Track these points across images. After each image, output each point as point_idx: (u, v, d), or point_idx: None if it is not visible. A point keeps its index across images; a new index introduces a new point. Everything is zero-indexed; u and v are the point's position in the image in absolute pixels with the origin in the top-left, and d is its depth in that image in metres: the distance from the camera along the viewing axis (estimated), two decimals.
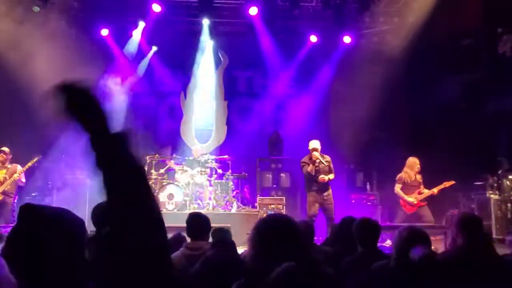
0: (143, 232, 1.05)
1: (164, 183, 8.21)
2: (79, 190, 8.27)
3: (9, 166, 7.42)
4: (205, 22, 9.85)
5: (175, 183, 8.20)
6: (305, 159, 6.91)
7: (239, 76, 10.84)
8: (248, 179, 9.38)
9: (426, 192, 6.90)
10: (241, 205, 8.55)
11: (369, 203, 8.68)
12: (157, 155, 8.68)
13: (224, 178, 8.64)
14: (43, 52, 8.35)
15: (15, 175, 7.27)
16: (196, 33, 10.07)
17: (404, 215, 6.98)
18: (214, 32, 10.05)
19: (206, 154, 9.25)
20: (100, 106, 1.10)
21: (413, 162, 7.06)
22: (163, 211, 7.77)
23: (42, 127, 8.82)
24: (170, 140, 10.18)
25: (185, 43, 10.23)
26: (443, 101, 8.92)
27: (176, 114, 10.64)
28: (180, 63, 10.52)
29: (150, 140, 9.49)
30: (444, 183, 6.87)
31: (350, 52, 9.81)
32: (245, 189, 9.31)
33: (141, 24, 9.70)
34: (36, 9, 8.41)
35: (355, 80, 9.30)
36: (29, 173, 8.01)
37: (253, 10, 9.39)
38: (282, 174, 9.44)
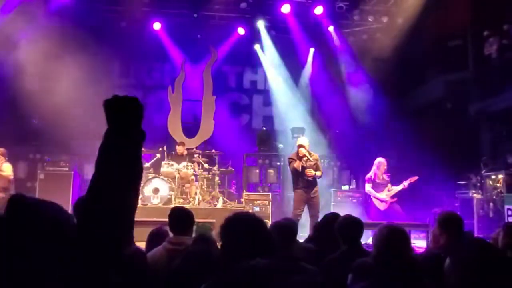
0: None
1: (150, 177, 8.14)
2: (63, 182, 8.16)
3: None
4: (196, 15, 9.75)
5: (161, 177, 8.13)
6: (293, 155, 6.87)
7: (228, 71, 10.79)
8: (235, 175, 9.37)
9: (395, 188, 7.11)
10: (227, 200, 8.53)
11: (354, 201, 8.73)
12: (143, 149, 8.57)
13: (210, 173, 8.59)
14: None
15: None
16: (186, 26, 9.97)
17: (377, 212, 7.15)
18: (205, 25, 9.96)
19: (192, 148, 9.19)
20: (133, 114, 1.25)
21: (382, 162, 7.25)
22: (148, 205, 7.71)
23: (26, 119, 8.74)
24: (157, 134, 10.09)
25: (175, 36, 10.12)
26: (430, 101, 9.01)
27: (163, 108, 10.55)
28: (168, 56, 10.43)
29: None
30: (409, 179, 7.09)
31: (339, 49, 9.84)
32: (231, 185, 9.29)
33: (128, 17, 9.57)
34: None
35: (343, 77, 9.34)
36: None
37: (244, 5, 9.35)
38: (270, 170, 9.44)
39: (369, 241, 6.39)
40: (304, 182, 6.68)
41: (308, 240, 3.11)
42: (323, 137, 9.74)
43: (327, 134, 9.81)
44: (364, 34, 9.77)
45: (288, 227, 2.69)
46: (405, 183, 7.13)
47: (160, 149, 8.78)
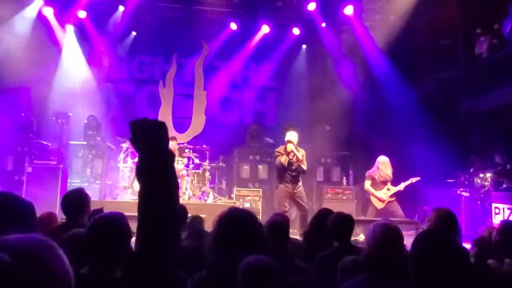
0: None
1: None
2: (51, 177, 8.06)
3: None
4: (187, 9, 9.68)
5: None
6: (280, 149, 6.83)
7: (220, 66, 10.74)
8: (225, 170, 9.34)
9: (394, 188, 7.10)
10: (217, 195, 8.51)
11: (344, 197, 8.77)
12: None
13: (201, 168, 8.56)
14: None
15: None
16: (177, 20, 9.89)
17: (374, 210, 7.15)
18: (197, 20, 9.89)
19: (184, 143, 9.14)
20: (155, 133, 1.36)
21: (386, 161, 7.22)
22: (137, 200, 7.64)
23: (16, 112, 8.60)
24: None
25: (166, 30, 10.04)
26: (420, 99, 9.07)
27: (155, 102, 10.46)
28: (159, 50, 10.34)
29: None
30: (411, 179, 7.07)
31: (331, 46, 9.86)
32: (222, 180, 9.27)
33: (121, 8, 9.46)
34: None
35: (334, 74, 9.37)
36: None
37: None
38: (260, 166, 9.44)
39: (359, 237, 6.44)
40: (289, 177, 6.65)
41: (303, 236, 3.11)
42: (314, 133, 9.76)
43: (318, 131, 9.83)
44: (357, 32, 9.79)
45: (281, 225, 2.69)
46: (402, 185, 7.05)
47: None
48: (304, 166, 6.69)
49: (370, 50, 9.53)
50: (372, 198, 7.20)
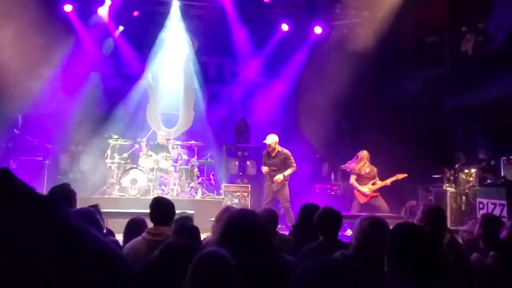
0: None
1: (127, 168, 8.02)
2: (37, 173, 7.96)
3: None
4: (175, 3, 9.61)
5: (139, 167, 8.03)
6: (264, 154, 7.21)
7: (208, 62, 10.69)
8: (214, 166, 9.33)
9: (379, 183, 7.21)
10: (206, 191, 8.50)
11: (332, 193, 8.84)
12: (120, 139, 8.41)
13: (189, 164, 8.54)
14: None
15: None
16: (165, 15, 9.82)
17: (358, 205, 7.27)
18: (185, 15, 9.82)
19: (171, 139, 9.10)
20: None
21: (364, 155, 7.36)
22: (126, 196, 7.60)
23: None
24: (136, 124, 9.93)
25: (154, 24, 9.95)
26: (407, 95, 9.16)
27: (142, 98, 10.37)
28: (147, 45, 10.24)
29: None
30: (397, 175, 7.18)
31: (320, 42, 9.88)
32: (210, 176, 9.26)
33: (107, 2, 9.34)
34: None
35: (323, 70, 9.40)
36: None
37: None
38: (248, 162, 9.45)
39: (346, 233, 6.50)
40: (269, 176, 7.03)
41: (290, 230, 3.13)
42: (302, 130, 9.79)
43: (307, 127, 9.86)
44: (345, 28, 9.83)
45: (269, 218, 2.70)
46: (388, 180, 7.19)
47: (139, 139, 8.66)
48: (289, 170, 6.90)
49: (358, 45, 9.59)
50: (356, 192, 7.33)
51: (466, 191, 7.48)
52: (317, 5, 9.43)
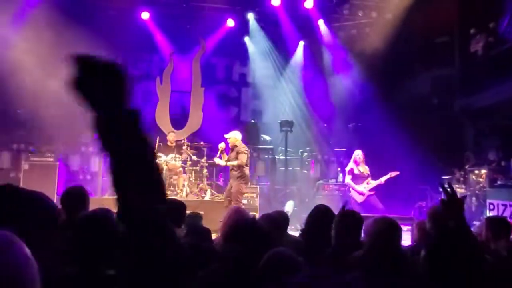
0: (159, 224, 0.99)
1: None
2: (48, 173, 8.07)
3: None
4: (184, 5, 9.67)
5: None
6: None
7: (217, 63, 10.74)
8: (222, 167, 9.35)
9: (373, 182, 7.23)
10: (215, 192, 8.53)
11: (341, 194, 8.82)
12: None
13: (198, 165, 8.58)
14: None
15: None
16: (175, 17, 9.88)
17: (356, 204, 7.28)
18: (194, 16, 9.88)
19: (181, 140, 9.16)
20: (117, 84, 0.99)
21: (357, 154, 7.39)
22: None
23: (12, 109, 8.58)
24: (145, 125, 10.00)
25: (164, 26, 10.02)
26: (416, 96, 9.14)
27: (151, 99, 10.45)
28: (156, 46, 10.32)
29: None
30: (390, 174, 7.19)
31: (328, 43, 9.89)
32: (219, 177, 9.29)
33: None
34: None
35: (331, 71, 9.41)
36: None
37: None
38: (258, 163, 9.46)
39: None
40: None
41: (300, 232, 3.14)
42: (311, 130, 9.81)
43: (315, 128, 9.88)
44: (354, 29, 9.83)
45: (279, 220, 2.72)
46: (382, 179, 7.19)
47: None
48: (235, 162, 6.95)
49: (366, 46, 9.58)
50: (352, 192, 7.36)
51: (476, 192, 7.45)
52: (326, 6, 9.44)
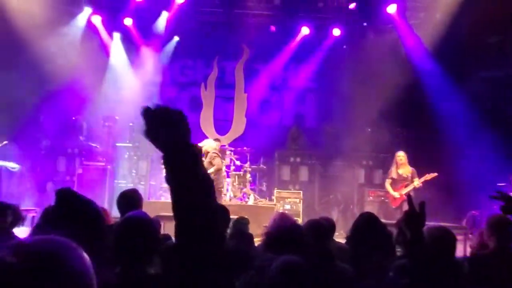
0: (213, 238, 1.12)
1: None
2: (100, 177, 8.44)
3: None
4: (227, 13, 9.84)
5: None
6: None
7: (260, 68, 10.82)
8: (266, 172, 9.39)
9: (410, 185, 6.88)
10: (258, 197, 8.58)
11: (387, 200, 8.57)
12: None
13: (242, 170, 8.67)
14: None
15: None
16: (218, 24, 10.07)
17: (392, 209, 7.02)
18: (237, 23, 10.02)
19: (225, 145, 9.29)
20: (176, 122, 1.14)
21: (397, 156, 7.05)
22: None
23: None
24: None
25: (207, 33, 10.24)
26: (468, 99, 8.73)
27: (196, 105, 10.69)
28: (201, 54, 10.56)
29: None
30: (426, 175, 6.81)
31: (373, 46, 9.67)
32: (262, 182, 9.33)
33: (164, 14, 9.75)
34: None
35: (376, 75, 9.18)
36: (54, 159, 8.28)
37: (278, 2, 9.39)
38: (301, 168, 9.40)
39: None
40: None
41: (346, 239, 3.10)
42: (355, 135, 9.62)
43: (359, 132, 9.68)
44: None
45: (324, 225, 2.69)
46: (416, 182, 6.81)
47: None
48: (212, 169, 6.93)
49: (414, 49, 9.29)
50: (388, 196, 7.09)
51: None
52: (370, 9, 9.26)
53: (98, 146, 8.98)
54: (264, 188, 9.27)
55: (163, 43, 10.24)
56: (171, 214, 1.42)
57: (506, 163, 7.89)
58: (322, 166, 9.44)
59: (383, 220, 2.99)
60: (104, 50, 9.92)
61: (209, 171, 6.96)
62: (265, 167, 9.14)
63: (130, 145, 9.27)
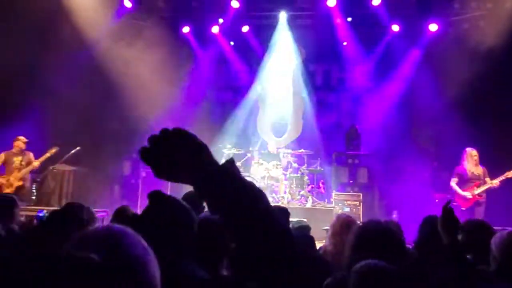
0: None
1: None
2: (162, 181, 8.76)
3: (24, 153, 7.52)
4: (283, 15, 9.85)
5: (251, 176, 8.34)
6: None
7: (316, 70, 10.70)
8: (323, 174, 9.25)
9: (484, 185, 6.29)
10: (316, 200, 8.47)
11: (455, 203, 8.09)
12: (233, 148, 8.86)
13: (299, 172, 8.61)
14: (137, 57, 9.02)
15: (35, 164, 7.44)
16: (273, 27, 10.11)
17: (460, 212, 6.49)
18: (292, 25, 10.01)
19: (282, 148, 9.28)
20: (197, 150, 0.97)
21: (468, 153, 6.48)
22: None
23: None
24: (247, 133, 10.36)
25: (263, 37, 10.31)
26: None
27: (253, 108, 10.78)
28: (257, 57, 10.64)
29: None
30: (507, 173, 6.18)
31: (436, 41, 9.20)
32: (320, 184, 9.20)
33: (220, 21, 9.96)
34: None
35: (440, 71, 8.71)
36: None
37: (332, 2, 9.23)
38: (359, 170, 9.15)
39: None
40: None
41: (414, 244, 2.95)
42: (417, 135, 9.21)
43: (422, 133, 9.25)
44: (465, 23, 8.99)
45: (396, 227, 2.58)
46: (493, 182, 6.25)
47: (251, 149, 9.02)
48: None
49: (480, 42, 8.70)
50: (456, 197, 6.55)
51: None
52: (432, 1, 8.83)
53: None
54: (322, 190, 9.14)
55: (220, 48, 10.44)
56: None
57: None
58: (382, 167, 9.13)
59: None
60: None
61: None
62: (322, 169, 9.01)
63: None
